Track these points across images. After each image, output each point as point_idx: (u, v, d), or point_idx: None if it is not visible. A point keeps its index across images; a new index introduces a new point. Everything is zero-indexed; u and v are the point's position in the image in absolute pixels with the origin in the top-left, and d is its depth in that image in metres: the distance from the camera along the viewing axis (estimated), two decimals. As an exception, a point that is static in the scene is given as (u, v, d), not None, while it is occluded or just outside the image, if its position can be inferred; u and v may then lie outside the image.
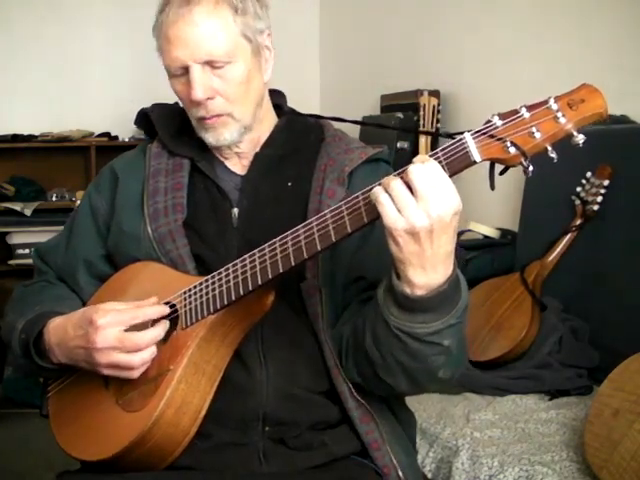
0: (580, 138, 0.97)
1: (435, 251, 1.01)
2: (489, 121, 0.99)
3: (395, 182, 0.99)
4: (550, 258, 2.33)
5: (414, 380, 1.15)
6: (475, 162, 0.99)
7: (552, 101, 0.98)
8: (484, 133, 0.99)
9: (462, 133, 1.00)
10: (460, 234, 2.90)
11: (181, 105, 1.37)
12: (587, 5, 2.68)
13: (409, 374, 1.14)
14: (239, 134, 1.29)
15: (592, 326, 2.22)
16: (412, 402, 1.39)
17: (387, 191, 1.00)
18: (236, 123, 1.28)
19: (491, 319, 2.29)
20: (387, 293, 1.09)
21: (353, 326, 1.20)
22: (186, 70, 1.24)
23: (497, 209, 2.97)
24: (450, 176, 1.00)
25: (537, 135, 0.97)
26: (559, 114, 0.97)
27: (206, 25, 1.22)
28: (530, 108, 0.98)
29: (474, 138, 0.99)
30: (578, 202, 2.29)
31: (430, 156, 1.01)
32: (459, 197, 1.00)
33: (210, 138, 1.29)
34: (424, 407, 2.00)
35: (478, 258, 2.62)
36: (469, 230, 2.87)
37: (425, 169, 0.98)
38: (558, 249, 2.33)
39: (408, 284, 1.04)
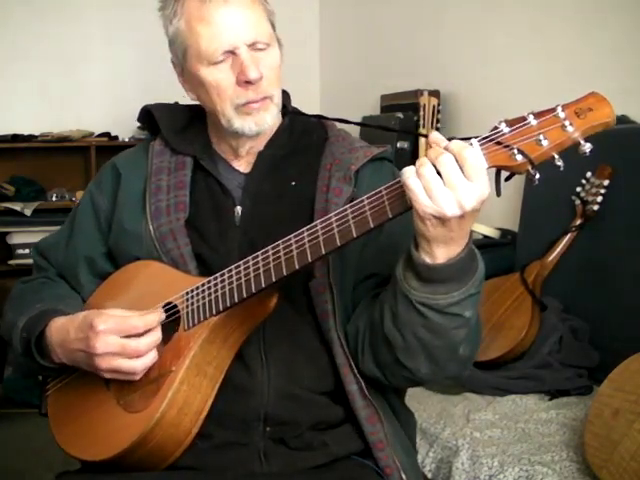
0: (587, 147, 0.96)
1: (461, 232, 1.03)
2: (496, 127, 0.98)
3: (425, 167, 0.98)
4: (550, 258, 2.33)
5: (435, 360, 1.15)
6: None
7: (560, 109, 0.97)
8: (491, 140, 0.98)
9: (469, 139, 0.99)
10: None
11: (187, 103, 1.36)
12: (587, 5, 2.68)
13: (430, 353, 1.14)
14: (275, 119, 1.29)
15: (592, 326, 2.22)
16: (412, 402, 1.39)
17: (418, 176, 0.99)
18: (275, 107, 1.28)
19: (491, 319, 2.29)
20: (406, 268, 1.09)
21: (369, 316, 1.20)
22: (230, 54, 1.22)
23: (497, 209, 2.96)
24: None
25: (544, 143, 0.96)
26: (566, 122, 0.96)
27: (251, 8, 1.23)
28: (537, 116, 0.97)
29: (481, 145, 0.98)
30: (578, 202, 2.29)
31: None
32: (488, 184, 0.99)
33: (252, 124, 1.26)
34: (424, 407, 2.00)
35: (478, 258, 2.61)
36: (469, 230, 2.87)
37: (464, 155, 0.97)
38: (558, 249, 2.33)
39: (429, 255, 1.05)
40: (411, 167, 1.00)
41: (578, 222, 2.29)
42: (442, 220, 1.00)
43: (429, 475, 1.85)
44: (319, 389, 1.26)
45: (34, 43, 3.86)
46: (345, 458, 1.26)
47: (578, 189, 2.28)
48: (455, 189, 0.97)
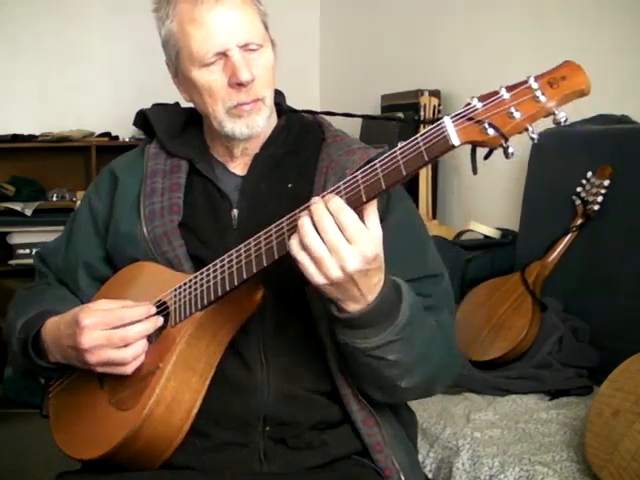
0: (562, 117, 0.95)
1: (362, 288, 1.05)
2: (468, 104, 0.98)
3: (310, 238, 1.01)
4: (550, 258, 2.33)
5: (383, 390, 1.18)
6: (454, 146, 0.97)
7: (532, 80, 0.96)
8: (463, 116, 0.97)
9: (441, 119, 0.99)
10: (460, 234, 2.90)
11: (186, 105, 1.36)
12: (587, 5, 2.68)
13: (374, 384, 1.17)
14: (266, 121, 1.29)
15: (592, 326, 2.21)
16: (412, 402, 1.39)
17: (303, 247, 1.02)
18: (267, 109, 1.28)
19: (491, 319, 2.29)
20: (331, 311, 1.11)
21: None
22: (222, 56, 1.22)
23: (497, 209, 2.97)
24: (429, 161, 0.99)
25: (516, 115, 0.95)
26: (538, 93, 0.95)
27: (243, 9, 1.23)
28: (510, 88, 0.97)
29: (453, 121, 0.98)
30: (578, 202, 2.29)
31: (409, 142, 1.00)
32: (374, 245, 1.02)
33: (243, 127, 1.26)
34: (424, 407, 2.00)
35: (478, 258, 2.62)
36: (469, 230, 2.87)
37: (341, 219, 1.00)
38: (558, 249, 2.32)
39: (340, 310, 1.08)
40: (296, 237, 1.03)
41: (578, 222, 2.29)
42: (333, 284, 1.03)
43: (430, 475, 1.85)
44: (318, 389, 1.25)
45: (34, 43, 3.87)
46: (345, 458, 1.26)
47: (578, 189, 2.28)
48: (337, 253, 1.00)
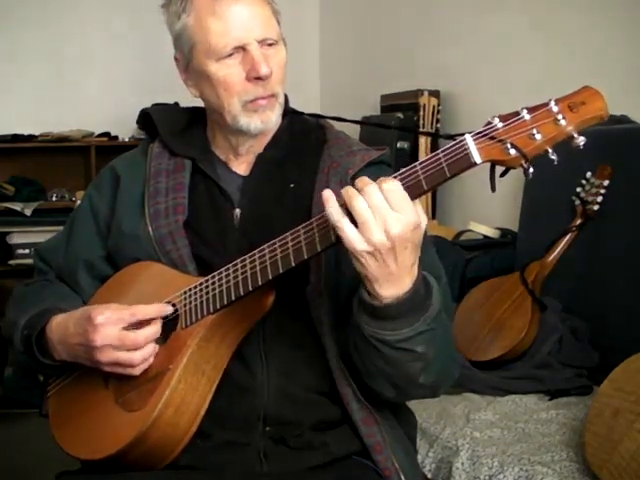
0: (580, 140, 0.97)
1: (399, 265, 1.03)
2: (489, 123, 0.99)
3: (356, 200, 1.01)
4: (550, 258, 2.33)
5: (396, 386, 1.17)
6: (475, 164, 0.99)
7: (553, 103, 0.98)
8: (485, 134, 0.99)
9: (463, 134, 1.00)
10: (460, 234, 2.90)
11: (187, 104, 1.36)
12: (587, 5, 2.68)
13: (390, 380, 1.16)
14: (279, 118, 1.29)
15: (592, 326, 2.22)
16: (412, 402, 1.39)
17: (351, 208, 1.01)
18: (279, 106, 1.28)
19: (491, 319, 2.29)
20: (359, 302, 1.10)
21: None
22: (239, 50, 1.23)
23: (497, 209, 2.97)
24: (450, 177, 1.00)
25: (538, 137, 0.97)
26: (559, 116, 0.97)
27: (261, 6, 1.25)
28: (531, 110, 0.99)
29: (474, 139, 0.99)
30: (578, 202, 2.29)
31: (430, 157, 1.01)
32: (417, 214, 1.02)
33: (258, 122, 1.27)
34: (424, 407, 2.00)
35: (478, 258, 2.62)
36: (469, 230, 2.87)
37: (385, 187, 1.00)
38: (558, 249, 2.32)
39: (374, 296, 1.07)
40: (334, 204, 1.03)
41: (578, 222, 2.29)
42: (373, 254, 1.01)
43: (429, 475, 1.85)
44: (318, 389, 1.26)
45: (34, 43, 3.87)
46: (345, 458, 1.26)
47: (578, 189, 2.28)
48: (381, 216, 1.00)
